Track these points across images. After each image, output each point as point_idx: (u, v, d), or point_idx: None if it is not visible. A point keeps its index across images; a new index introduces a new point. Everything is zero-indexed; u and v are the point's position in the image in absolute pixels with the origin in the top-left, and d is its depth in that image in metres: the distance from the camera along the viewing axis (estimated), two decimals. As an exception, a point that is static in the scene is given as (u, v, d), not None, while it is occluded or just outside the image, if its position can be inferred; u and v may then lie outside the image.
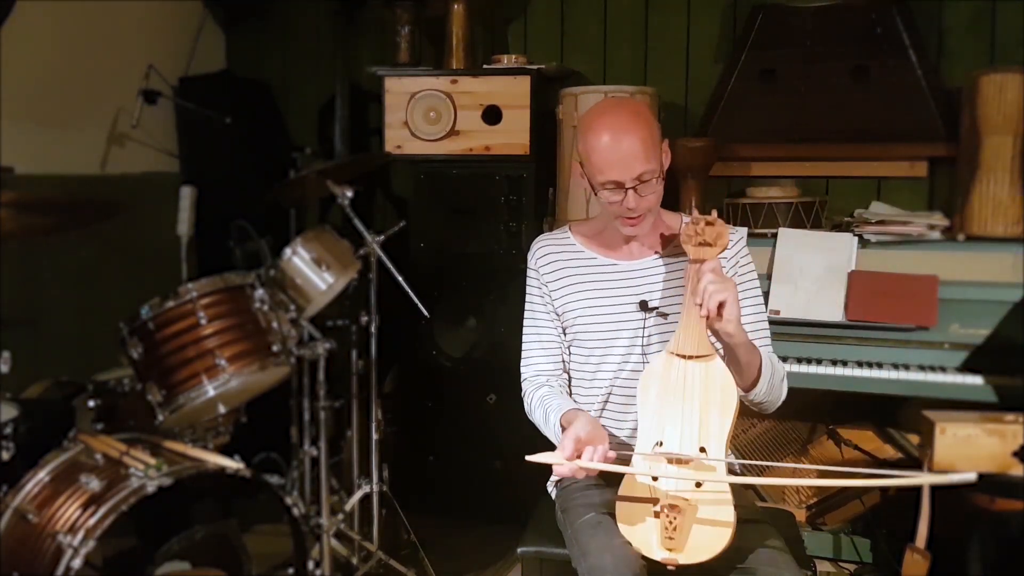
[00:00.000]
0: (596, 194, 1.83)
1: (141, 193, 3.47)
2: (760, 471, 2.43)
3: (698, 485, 1.64)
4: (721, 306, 1.68)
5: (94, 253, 3.22)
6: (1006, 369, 2.45)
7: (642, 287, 1.90)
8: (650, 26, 3.39)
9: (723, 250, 1.76)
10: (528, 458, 1.69)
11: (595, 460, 1.64)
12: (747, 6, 3.16)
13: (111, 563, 2.44)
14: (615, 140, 1.77)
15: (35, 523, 2.19)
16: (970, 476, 1.43)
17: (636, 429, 1.90)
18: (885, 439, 2.80)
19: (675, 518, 1.58)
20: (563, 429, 1.80)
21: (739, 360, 1.75)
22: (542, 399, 1.91)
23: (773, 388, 1.85)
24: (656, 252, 1.93)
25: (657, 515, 1.62)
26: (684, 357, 1.72)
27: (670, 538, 1.58)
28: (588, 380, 1.95)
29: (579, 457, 1.64)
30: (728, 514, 1.61)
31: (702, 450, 1.65)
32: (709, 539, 1.60)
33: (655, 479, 1.66)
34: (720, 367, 1.72)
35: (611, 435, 1.93)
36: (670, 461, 1.66)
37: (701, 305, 1.68)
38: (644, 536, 1.63)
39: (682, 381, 1.71)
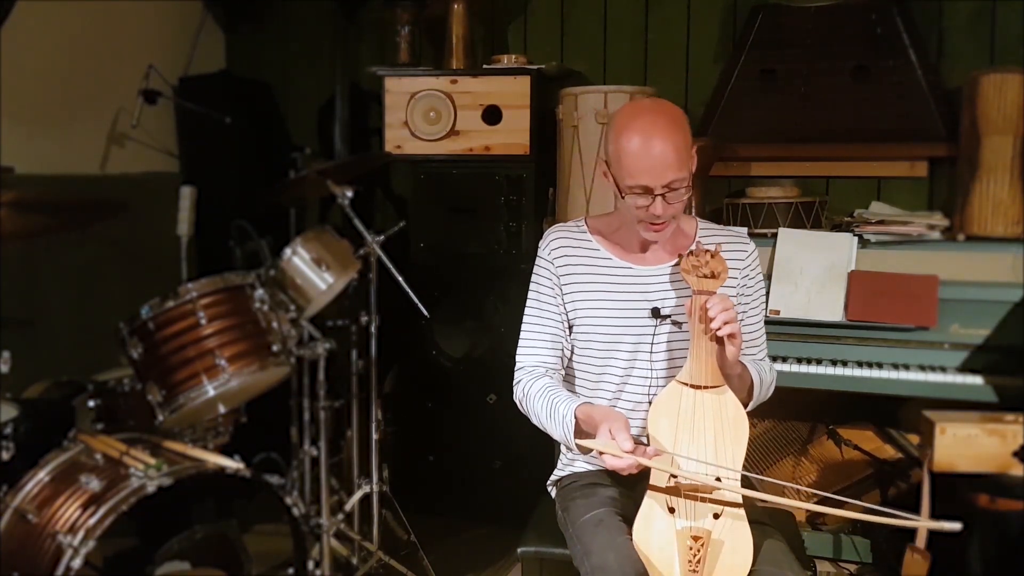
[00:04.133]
0: (622, 196, 1.78)
1: (141, 193, 3.47)
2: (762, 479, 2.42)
3: (716, 516, 1.64)
4: (732, 336, 1.69)
5: (94, 253, 3.22)
6: (1006, 369, 2.46)
7: (655, 294, 1.89)
8: (650, 26, 3.39)
9: (723, 283, 1.76)
10: (580, 442, 1.69)
11: (648, 457, 1.63)
12: (747, 6, 3.16)
13: (111, 563, 2.44)
14: (648, 144, 1.72)
15: (35, 523, 2.19)
16: (955, 526, 1.46)
17: (639, 438, 1.90)
18: (885, 439, 2.80)
19: (699, 550, 1.58)
20: (577, 421, 1.77)
21: (732, 387, 1.77)
22: (545, 389, 1.87)
23: (757, 401, 1.89)
24: (671, 259, 1.90)
25: (680, 553, 1.61)
26: (696, 387, 1.71)
27: (693, 571, 1.58)
28: (592, 382, 1.94)
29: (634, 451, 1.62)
30: (747, 541, 1.62)
31: (717, 480, 1.65)
32: (732, 568, 1.60)
33: (672, 511, 1.65)
34: (732, 398, 1.72)
35: None
36: (687, 492, 1.65)
37: (715, 326, 1.68)
38: (666, 567, 1.61)
39: (695, 412, 1.70)
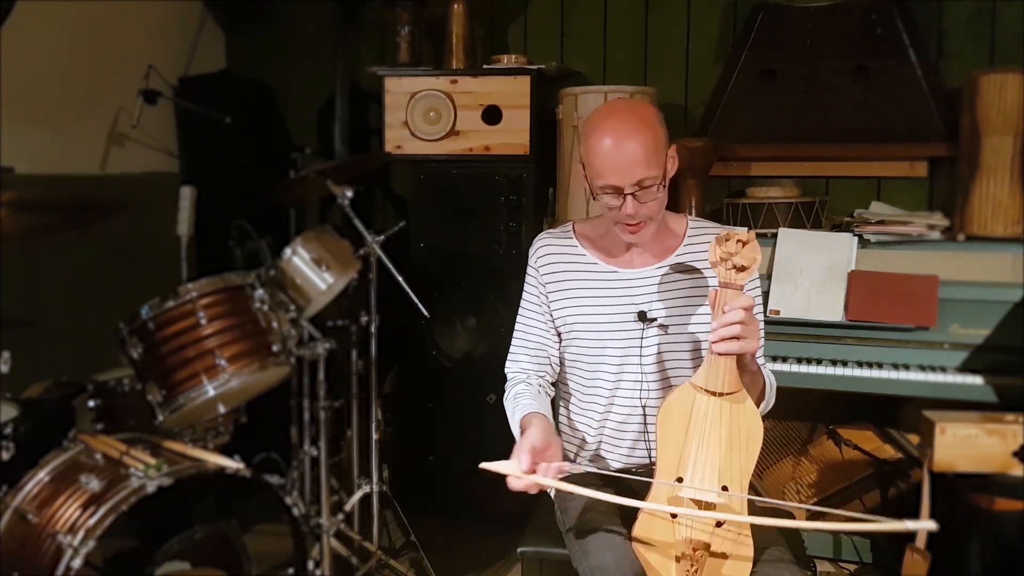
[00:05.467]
0: (595, 198, 1.79)
1: (141, 193, 3.47)
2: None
3: (718, 525, 1.62)
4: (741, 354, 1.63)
5: (94, 253, 3.22)
6: (1006, 369, 2.45)
7: (642, 297, 1.88)
8: (650, 26, 3.39)
9: (751, 275, 1.65)
10: (483, 466, 1.61)
11: (549, 476, 1.58)
12: (747, 6, 3.16)
13: (111, 563, 2.45)
14: (616, 144, 1.71)
15: (35, 523, 2.19)
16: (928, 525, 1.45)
17: (633, 447, 1.91)
18: (885, 439, 2.80)
19: (697, 560, 1.57)
20: (522, 431, 1.76)
21: (743, 384, 1.72)
22: (516, 395, 1.90)
23: (763, 408, 1.85)
24: (658, 262, 1.89)
25: (679, 559, 1.61)
26: (712, 393, 1.64)
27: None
28: (585, 389, 1.94)
29: (534, 471, 1.59)
30: (748, 551, 1.61)
31: (724, 488, 1.63)
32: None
33: (674, 516, 1.64)
34: (750, 407, 1.64)
35: (607, 452, 1.93)
36: (696, 504, 1.64)
37: (712, 339, 1.61)
38: (665, 570, 1.61)
39: (708, 418, 1.64)
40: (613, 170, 1.72)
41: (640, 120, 1.74)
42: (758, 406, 1.78)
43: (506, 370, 2.01)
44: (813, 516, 2.90)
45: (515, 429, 1.83)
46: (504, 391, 1.99)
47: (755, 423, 1.64)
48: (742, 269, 1.62)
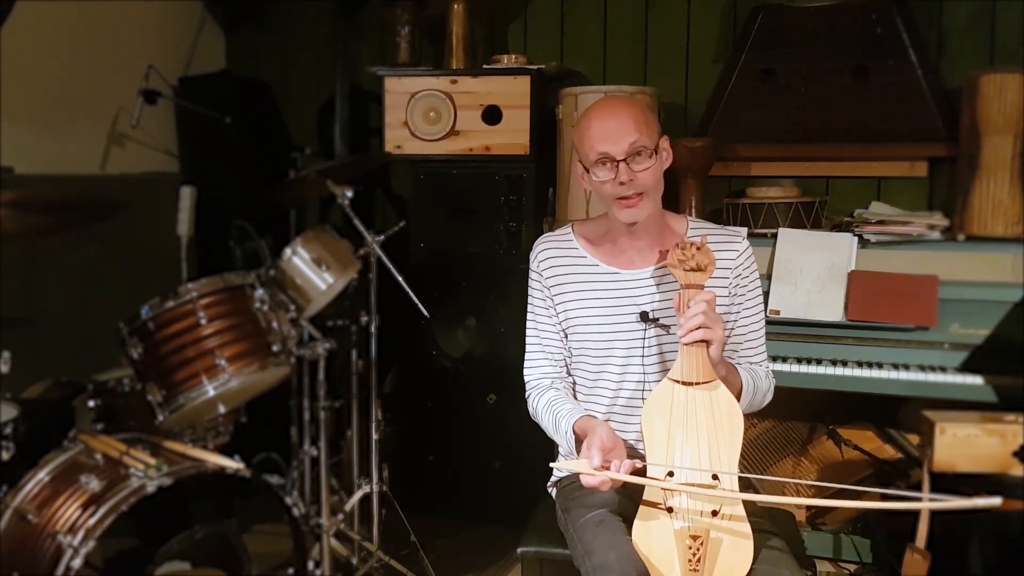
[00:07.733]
0: (591, 179, 1.82)
1: (141, 193, 3.47)
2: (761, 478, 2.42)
3: (715, 513, 1.64)
4: (707, 344, 1.70)
5: (94, 253, 3.22)
6: (1006, 369, 2.45)
7: (643, 298, 1.89)
8: (650, 26, 3.39)
9: (711, 275, 1.77)
10: (553, 465, 1.71)
11: (623, 471, 1.64)
12: (747, 6, 3.16)
13: (111, 563, 2.44)
14: (605, 116, 1.81)
15: (35, 523, 2.19)
16: (995, 501, 1.40)
17: (635, 445, 1.91)
18: (885, 439, 2.80)
19: (698, 549, 1.58)
20: (576, 436, 1.79)
21: None
22: (550, 403, 1.90)
23: (751, 406, 1.89)
24: (659, 262, 1.90)
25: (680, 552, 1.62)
26: (687, 384, 1.71)
27: (694, 570, 1.58)
28: (588, 388, 1.94)
29: (606, 468, 1.64)
30: (747, 537, 1.62)
31: (714, 477, 1.65)
32: (732, 565, 1.60)
33: (670, 510, 1.65)
34: (725, 393, 1.71)
35: None
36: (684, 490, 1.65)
37: (680, 334, 1.70)
38: (667, 567, 1.62)
39: (688, 408, 1.70)
40: (604, 137, 1.79)
41: (626, 100, 1.89)
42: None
43: (527, 376, 2.00)
44: (812, 518, 2.90)
45: (562, 436, 1.85)
46: (517, 393, 1.99)
47: (733, 407, 1.71)
48: (700, 270, 1.76)
